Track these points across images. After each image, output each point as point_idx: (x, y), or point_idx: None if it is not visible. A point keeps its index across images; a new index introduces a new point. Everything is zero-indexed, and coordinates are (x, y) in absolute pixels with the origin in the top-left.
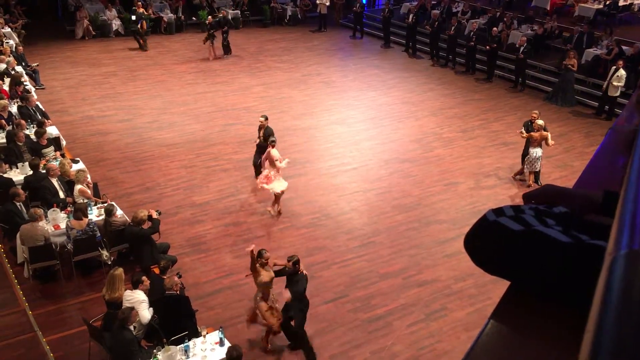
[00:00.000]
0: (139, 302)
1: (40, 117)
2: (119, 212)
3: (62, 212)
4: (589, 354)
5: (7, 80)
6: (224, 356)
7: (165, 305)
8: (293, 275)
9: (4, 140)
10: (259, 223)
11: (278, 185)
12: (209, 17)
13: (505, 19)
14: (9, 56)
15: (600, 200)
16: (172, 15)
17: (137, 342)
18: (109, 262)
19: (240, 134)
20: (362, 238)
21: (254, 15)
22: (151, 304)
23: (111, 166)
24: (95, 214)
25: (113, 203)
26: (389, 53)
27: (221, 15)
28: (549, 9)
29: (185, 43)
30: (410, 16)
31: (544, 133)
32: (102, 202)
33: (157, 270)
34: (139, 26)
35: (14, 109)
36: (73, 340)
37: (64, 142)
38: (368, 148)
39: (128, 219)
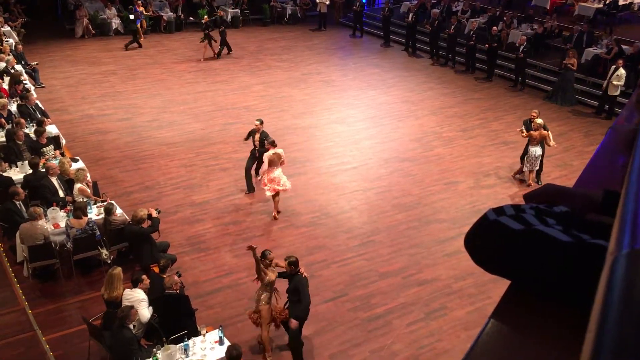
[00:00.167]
0: (139, 301)
1: (39, 116)
2: (118, 211)
3: (62, 211)
4: (590, 354)
5: (7, 78)
6: (224, 355)
7: (164, 304)
8: (292, 276)
9: (4, 139)
10: (259, 222)
11: (286, 182)
12: (205, 16)
13: (505, 18)
14: (9, 55)
15: (601, 200)
16: (171, 14)
17: (137, 341)
18: (109, 261)
19: (240, 133)
20: (361, 237)
21: (253, 14)
22: (151, 302)
23: (111, 165)
24: (94, 213)
25: (113, 202)
26: (389, 52)
27: (217, 15)
28: (548, 8)
29: (184, 42)
30: (410, 15)
31: (543, 132)
32: (102, 201)
33: (156, 269)
34: (138, 25)
35: (13, 107)
36: (73, 339)
37: (63, 141)
38: (368, 147)
39: (128, 218)
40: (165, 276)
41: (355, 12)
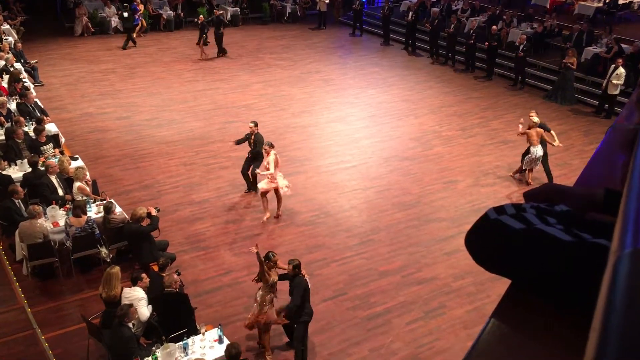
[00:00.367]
0: (138, 300)
1: (39, 114)
2: (117, 210)
3: (61, 209)
4: (595, 354)
5: (6, 77)
6: (223, 354)
7: (164, 302)
8: (292, 278)
9: (3, 138)
10: (258, 221)
11: (282, 181)
12: (200, 16)
13: (504, 17)
14: (8, 53)
15: (602, 199)
16: (171, 12)
17: (136, 340)
18: (108, 260)
19: (240, 132)
20: (361, 236)
21: (253, 12)
22: (150, 301)
23: (110, 163)
24: (94, 212)
25: (112, 200)
26: (389, 51)
27: (214, 15)
28: (548, 7)
29: (184, 40)
30: (410, 14)
31: (539, 130)
32: (101, 200)
33: (156, 268)
34: (138, 25)
35: (12, 106)
36: (72, 337)
37: (62, 140)
38: (367, 146)
39: (127, 217)
40: (164, 275)
41: (355, 11)
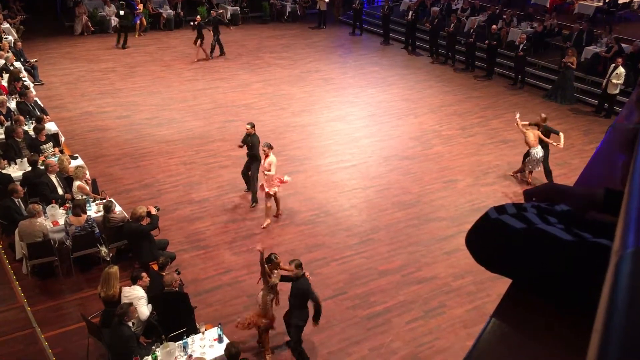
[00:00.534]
0: (138, 299)
1: (38, 113)
2: (117, 209)
3: (61, 208)
4: (597, 354)
5: (6, 76)
6: (223, 353)
7: (164, 301)
8: (296, 280)
9: (3, 136)
10: (258, 220)
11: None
12: (198, 17)
13: (504, 16)
14: (8, 52)
15: (602, 199)
16: (171, 11)
17: (136, 339)
18: (108, 259)
19: (240, 131)
20: (361, 235)
21: (253, 11)
22: (150, 300)
23: (110, 162)
24: (94, 211)
25: (112, 199)
26: (389, 50)
27: (211, 15)
28: (548, 6)
29: (184, 39)
30: (410, 13)
31: (536, 132)
32: (101, 199)
33: (155, 267)
34: (137, 23)
35: (12, 104)
36: (72, 336)
37: (62, 138)
38: (367, 145)
39: (127, 216)
40: (164, 274)
41: (355, 10)
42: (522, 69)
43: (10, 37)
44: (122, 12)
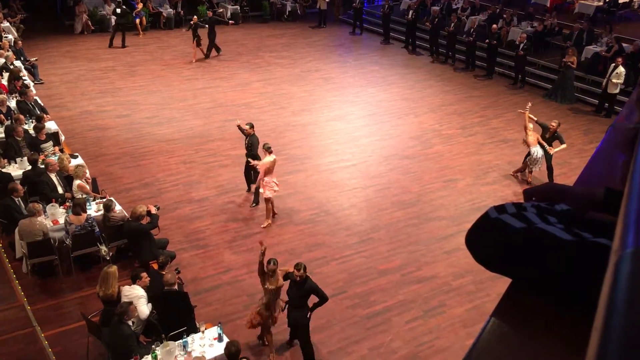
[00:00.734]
0: (138, 298)
1: (39, 112)
2: (117, 208)
3: (61, 207)
4: (596, 354)
5: (6, 74)
6: (223, 352)
7: (164, 300)
8: (304, 283)
9: (3, 135)
10: (258, 219)
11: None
12: (195, 17)
13: (505, 15)
14: (8, 51)
15: (602, 198)
16: (171, 10)
17: (136, 338)
18: (108, 258)
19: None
20: (361, 234)
21: (253, 10)
22: (150, 299)
23: (110, 161)
24: (94, 209)
25: (112, 198)
26: (389, 49)
27: (208, 15)
28: (548, 5)
29: (184, 38)
30: (410, 12)
31: (536, 134)
32: (101, 198)
33: (155, 266)
34: (137, 21)
35: (12, 103)
36: (72, 335)
37: (62, 137)
38: (367, 144)
39: (127, 215)
40: (164, 273)
41: (355, 9)
42: (523, 68)
43: (10, 36)
44: (118, 10)
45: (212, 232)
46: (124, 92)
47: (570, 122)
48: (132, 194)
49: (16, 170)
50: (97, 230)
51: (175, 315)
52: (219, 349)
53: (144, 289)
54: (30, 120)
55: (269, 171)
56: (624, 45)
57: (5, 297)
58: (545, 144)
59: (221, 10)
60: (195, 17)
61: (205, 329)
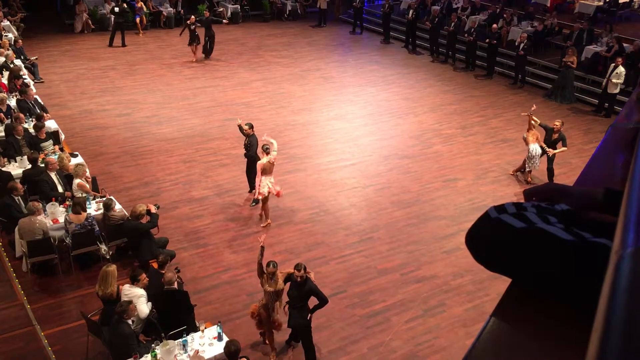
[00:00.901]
0: (137, 297)
1: (39, 111)
2: (117, 207)
3: (61, 206)
4: (597, 354)
5: (6, 73)
6: (222, 351)
7: (164, 299)
8: (304, 284)
9: (3, 134)
10: (258, 218)
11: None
12: (192, 17)
13: (505, 15)
14: (8, 49)
15: (602, 198)
16: (171, 9)
17: (136, 337)
18: (108, 257)
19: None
20: (360, 234)
21: (253, 9)
22: (150, 298)
23: (110, 160)
24: (94, 208)
25: (112, 197)
26: (389, 49)
27: (204, 16)
28: (549, 5)
29: (184, 37)
30: (410, 12)
31: (537, 132)
32: (101, 197)
33: (155, 265)
34: (137, 20)
35: (12, 102)
36: (71, 334)
37: (62, 136)
38: (367, 144)
39: (127, 213)
40: (164, 272)
41: (355, 9)
42: (523, 68)
43: (10, 35)
44: (116, 9)
45: (211, 231)
46: (124, 91)
47: (570, 122)
48: (132, 193)
49: (16, 169)
50: (97, 229)
51: (175, 315)
52: (219, 348)
53: (144, 288)
54: (30, 119)
55: (265, 171)
56: (624, 45)
57: (5, 296)
58: (544, 145)
59: (221, 9)
60: (192, 17)
61: (205, 328)
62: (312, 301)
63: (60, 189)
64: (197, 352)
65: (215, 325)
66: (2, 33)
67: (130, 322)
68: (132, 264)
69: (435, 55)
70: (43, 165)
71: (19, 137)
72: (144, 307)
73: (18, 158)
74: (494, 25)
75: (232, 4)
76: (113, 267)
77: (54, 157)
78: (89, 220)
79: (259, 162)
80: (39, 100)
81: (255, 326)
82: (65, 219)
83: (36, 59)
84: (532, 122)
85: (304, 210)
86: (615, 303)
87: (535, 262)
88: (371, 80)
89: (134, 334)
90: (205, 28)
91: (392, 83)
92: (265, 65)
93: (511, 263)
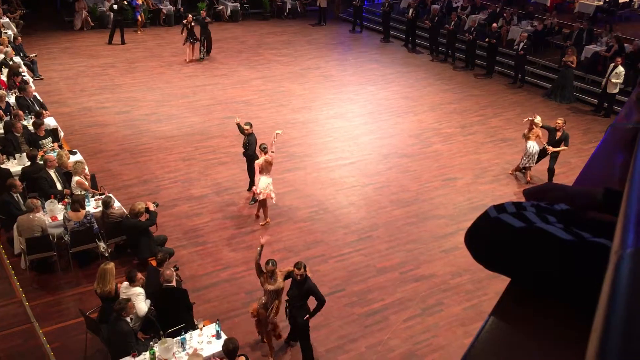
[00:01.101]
0: (136, 295)
1: (38, 108)
2: (116, 204)
3: (60, 203)
4: (596, 353)
5: (5, 70)
6: (220, 349)
7: (163, 297)
8: (304, 282)
9: (2, 131)
10: (254, 218)
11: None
12: (189, 16)
13: (505, 14)
14: (7, 46)
15: (601, 198)
16: (171, 7)
17: (134, 334)
18: (106, 254)
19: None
20: (359, 232)
21: (253, 8)
22: (149, 296)
23: (109, 158)
24: (92, 206)
25: (111, 195)
26: (389, 47)
27: (201, 16)
28: (549, 5)
29: (182, 35)
30: (410, 11)
31: (537, 131)
32: (100, 194)
33: (154, 263)
34: (139, 17)
35: (11, 99)
36: (70, 331)
37: (61, 134)
38: (366, 142)
39: (125, 211)
40: (162, 269)
41: (355, 7)
42: (522, 67)
43: (9, 32)
44: (115, 7)
45: (210, 229)
46: (124, 89)
47: (570, 122)
48: (131, 191)
49: (15, 166)
50: (96, 226)
51: (174, 312)
52: (217, 346)
53: (141, 287)
54: (30, 116)
55: (263, 170)
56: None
57: (3, 293)
58: (544, 143)
59: (221, 7)
60: (190, 15)
61: (204, 326)
62: (312, 301)
63: (59, 186)
64: (195, 350)
65: (214, 323)
66: (2, 30)
67: (128, 319)
68: (131, 261)
69: (435, 54)
70: (42, 162)
71: (18, 135)
72: (142, 305)
73: (17, 155)
74: (494, 25)
75: (232, 2)
76: (111, 265)
77: (53, 155)
78: (88, 218)
79: (256, 162)
80: (38, 97)
81: (254, 326)
82: (64, 217)
83: (35, 56)
84: (534, 125)
85: (303, 208)
86: (615, 303)
87: (535, 261)
88: (371, 79)
89: (132, 331)
90: (201, 27)
91: (392, 82)
92: (265, 64)
93: (511, 262)
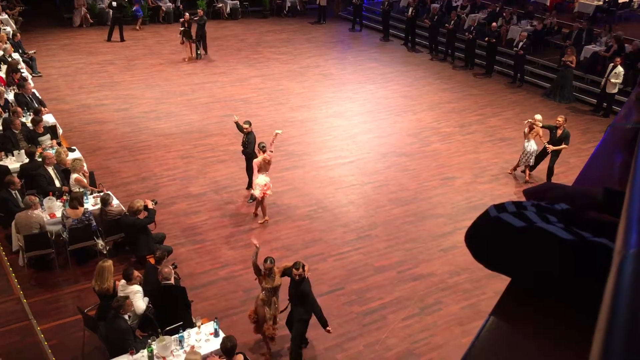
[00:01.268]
0: (134, 293)
1: (36, 105)
2: (115, 202)
3: (58, 200)
4: (600, 353)
5: (4, 67)
6: (219, 347)
7: (161, 295)
8: (301, 282)
9: (0, 128)
10: (252, 216)
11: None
12: (186, 14)
13: (504, 14)
14: (6, 43)
15: (601, 198)
16: (170, 4)
17: (132, 332)
18: (105, 252)
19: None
20: (358, 231)
21: (253, 6)
22: (147, 294)
23: (108, 155)
24: (91, 203)
25: (109, 192)
26: (388, 46)
27: (198, 15)
28: (548, 4)
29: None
30: (410, 10)
31: (538, 129)
32: (98, 192)
33: (152, 260)
34: (139, 17)
35: (10, 96)
36: (68, 328)
37: (60, 131)
38: (365, 141)
39: (124, 209)
40: (161, 267)
41: (355, 6)
42: (522, 67)
43: (8, 29)
44: (114, 4)
45: (209, 227)
46: (123, 86)
47: (569, 122)
48: (129, 188)
49: (13, 163)
50: (94, 224)
51: (172, 310)
52: (215, 344)
53: (139, 284)
54: (28, 113)
55: (260, 169)
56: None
57: (1, 290)
58: (545, 142)
59: (220, 5)
60: (187, 14)
61: (202, 324)
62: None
63: (57, 183)
64: (193, 347)
65: (212, 321)
66: (1, 26)
67: (126, 317)
68: (129, 259)
69: (434, 54)
70: (40, 159)
71: (16, 131)
72: (140, 303)
73: (15, 152)
74: (494, 24)
75: (232, 0)
76: (109, 263)
77: (51, 152)
78: (86, 215)
79: (254, 160)
80: (37, 94)
81: (253, 330)
82: (63, 214)
83: (34, 52)
84: (535, 124)
85: (302, 207)
86: (618, 303)
87: (535, 261)
88: (370, 78)
89: (130, 329)
90: (198, 26)
91: (391, 81)
92: (264, 62)
93: (511, 262)
